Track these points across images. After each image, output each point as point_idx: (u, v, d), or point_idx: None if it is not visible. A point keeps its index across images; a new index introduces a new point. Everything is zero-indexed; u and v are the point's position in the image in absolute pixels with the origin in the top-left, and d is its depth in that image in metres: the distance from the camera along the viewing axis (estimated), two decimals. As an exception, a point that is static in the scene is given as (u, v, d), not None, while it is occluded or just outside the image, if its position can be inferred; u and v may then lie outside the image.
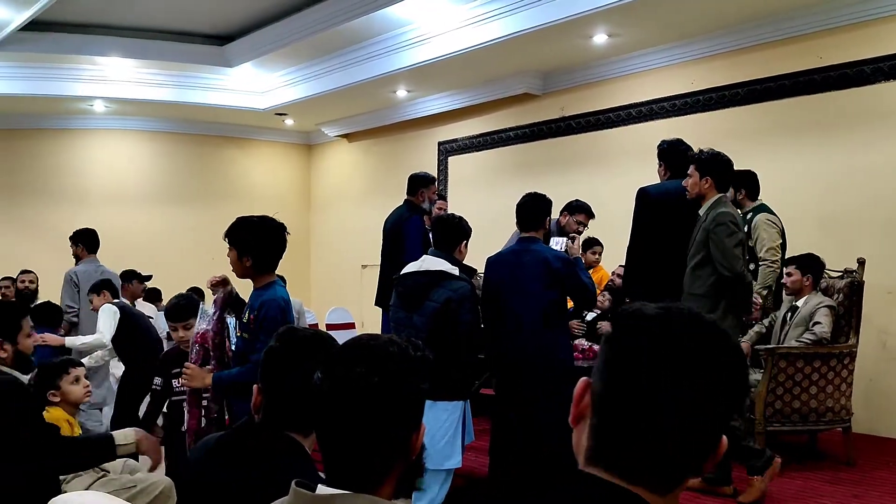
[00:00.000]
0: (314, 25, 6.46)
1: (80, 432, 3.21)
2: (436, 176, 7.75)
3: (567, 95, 6.73)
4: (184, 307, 3.63)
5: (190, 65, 7.51)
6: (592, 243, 5.56)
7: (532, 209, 3.69)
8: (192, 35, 7.27)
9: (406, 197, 5.29)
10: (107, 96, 7.78)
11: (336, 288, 8.97)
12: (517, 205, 3.76)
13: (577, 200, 4.93)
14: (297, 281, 8.88)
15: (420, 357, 1.21)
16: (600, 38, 5.76)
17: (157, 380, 3.62)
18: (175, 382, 3.50)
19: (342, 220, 9.26)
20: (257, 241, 3.03)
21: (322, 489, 1.15)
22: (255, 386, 1.62)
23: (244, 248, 3.02)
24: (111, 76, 7.57)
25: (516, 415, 3.54)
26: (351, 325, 7.89)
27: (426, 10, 5.95)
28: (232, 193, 9.26)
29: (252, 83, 7.93)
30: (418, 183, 5.27)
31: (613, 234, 5.77)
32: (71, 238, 5.77)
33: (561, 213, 5.08)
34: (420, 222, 5.25)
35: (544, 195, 3.78)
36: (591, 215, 4.99)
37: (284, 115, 8.44)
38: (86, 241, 5.79)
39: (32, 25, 6.36)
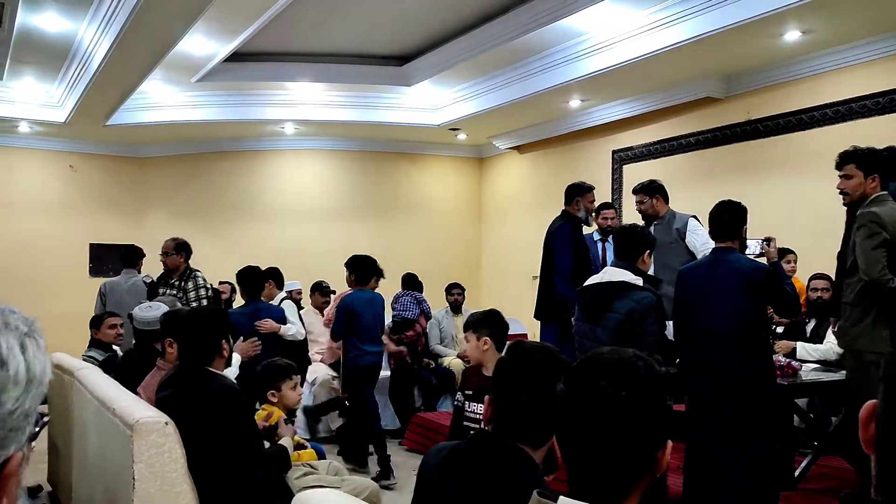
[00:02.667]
0: (489, 41, 6.59)
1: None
2: (610, 185, 7.65)
3: (753, 97, 6.40)
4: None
5: (371, 85, 7.91)
6: (785, 252, 5.24)
7: (727, 218, 3.54)
8: (374, 57, 7.65)
9: (563, 207, 5.34)
10: (296, 119, 8.36)
11: (507, 299, 9.03)
12: (711, 214, 3.62)
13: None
14: (468, 292, 9.06)
15: (665, 373, 1.21)
16: (792, 36, 5.43)
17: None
18: None
19: (513, 232, 9.34)
20: None
21: (564, 501, 1.17)
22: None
23: None
24: (300, 100, 8.13)
25: (712, 434, 3.40)
26: (523, 336, 7.93)
27: (602, 19, 5.89)
28: (406, 207, 9.65)
29: (428, 100, 8.21)
30: (574, 192, 5.30)
31: (806, 242, 5.43)
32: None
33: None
34: (569, 230, 5.24)
35: (739, 203, 3.62)
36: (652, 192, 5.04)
37: (458, 129, 8.66)
38: (124, 257, 6.77)
39: (233, 57, 6.94)
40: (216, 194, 9.45)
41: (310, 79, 7.70)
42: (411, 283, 7.16)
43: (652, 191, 4.98)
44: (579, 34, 6.23)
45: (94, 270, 9.27)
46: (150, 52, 5.85)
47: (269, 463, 2.94)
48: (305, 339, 6.16)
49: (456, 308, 7.62)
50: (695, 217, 4.81)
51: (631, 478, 1.17)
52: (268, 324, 5.20)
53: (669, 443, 1.19)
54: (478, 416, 3.07)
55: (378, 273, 5.94)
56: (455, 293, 7.62)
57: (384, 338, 6.47)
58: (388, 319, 7.31)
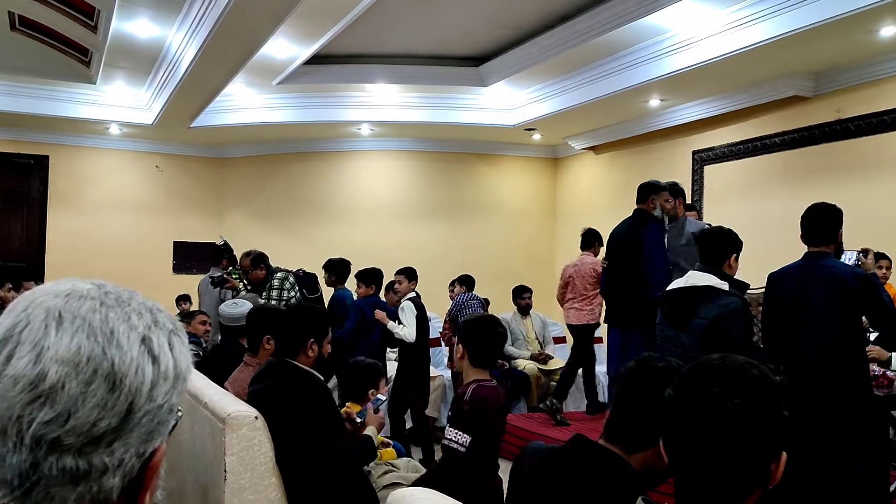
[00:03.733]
0: (568, 41, 6.53)
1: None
2: (690, 186, 7.47)
3: (843, 96, 6.15)
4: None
5: (447, 86, 7.94)
6: (878, 257, 5.02)
7: (822, 221, 3.41)
8: (450, 58, 7.69)
9: (636, 206, 5.22)
10: (372, 120, 8.47)
11: (582, 301, 8.93)
12: (803, 216, 3.49)
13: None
14: (542, 294, 8.99)
15: (780, 382, 1.17)
16: (888, 31, 5.19)
17: None
18: None
19: (587, 233, 9.23)
20: None
21: (672, 510, 1.15)
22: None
23: None
24: (377, 101, 8.23)
25: (806, 444, 3.28)
26: (598, 340, 7.81)
27: (685, 17, 5.76)
28: (479, 207, 9.65)
29: (503, 101, 8.19)
30: (648, 190, 5.19)
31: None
32: None
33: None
34: (660, 229, 5.13)
35: (834, 205, 3.48)
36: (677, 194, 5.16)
37: (533, 129, 8.61)
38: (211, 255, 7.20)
39: (313, 59, 7.07)
40: (293, 194, 9.66)
41: (386, 80, 7.79)
42: (470, 283, 7.15)
43: (676, 192, 5.20)
44: (661, 32, 6.11)
45: (178, 267, 9.61)
46: (236, 56, 6.02)
47: (356, 454, 2.99)
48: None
49: (524, 311, 7.58)
50: (709, 225, 4.81)
51: (742, 490, 1.14)
52: (380, 314, 5.77)
53: (784, 454, 1.15)
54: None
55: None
56: (525, 297, 7.57)
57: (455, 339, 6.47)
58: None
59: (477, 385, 2.77)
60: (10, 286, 7.41)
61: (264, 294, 5.75)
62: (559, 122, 8.10)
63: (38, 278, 8.16)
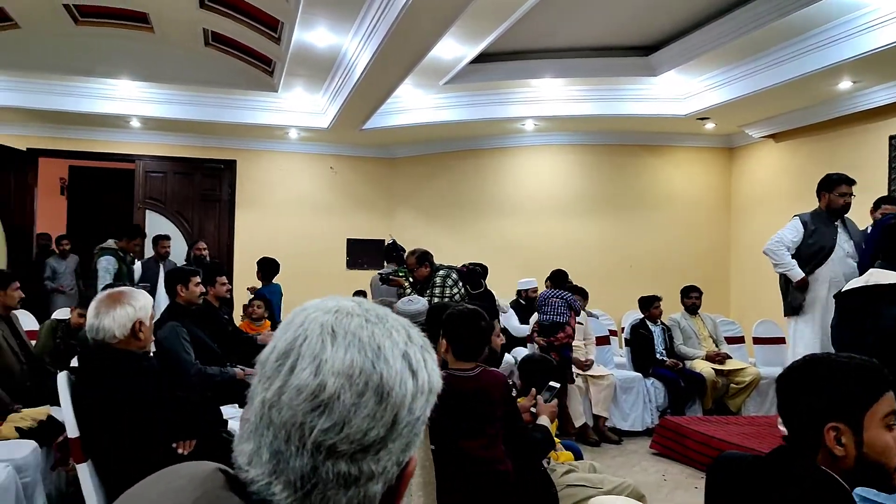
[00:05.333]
0: (746, 25, 6.16)
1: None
2: (886, 174, 6.85)
3: None
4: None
5: (614, 77, 7.74)
6: None
7: None
8: (618, 49, 7.49)
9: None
10: (537, 115, 8.42)
11: (760, 300, 8.42)
12: None
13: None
14: (715, 290, 8.59)
15: None
16: None
17: None
18: None
19: (765, 226, 8.62)
20: None
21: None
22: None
23: None
24: (542, 96, 8.18)
25: None
26: (780, 340, 7.34)
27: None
28: (647, 201, 9.34)
29: (674, 90, 7.87)
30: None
31: None
32: None
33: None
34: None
35: None
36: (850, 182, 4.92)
37: (706, 119, 8.21)
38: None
39: (478, 58, 7.14)
40: (458, 192, 9.83)
41: (552, 74, 7.72)
42: (559, 281, 6.88)
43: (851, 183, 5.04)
44: (855, 8, 5.62)
45: (351, 263, 10.06)
46: (407, 59, 6.19)
47: (537, 440, 3.00)
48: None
49: (692, 310, 7.23)
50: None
51: None
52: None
53: None
54: None
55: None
56: (693, 297, 7.23)
57: (537, 339, 6.29)
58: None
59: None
60: None
61: (427, 292, 5.87)
62: (735, 109, 7.67)
63: (229, 273, 8.82)
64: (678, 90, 7.87)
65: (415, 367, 0.80)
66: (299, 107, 8.76)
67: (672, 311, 7.34)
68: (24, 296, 4.91)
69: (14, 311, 4.88)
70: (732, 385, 6.75)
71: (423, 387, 0.80)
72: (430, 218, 9.96)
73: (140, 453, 2.67)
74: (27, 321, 5.61)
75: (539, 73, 7.73)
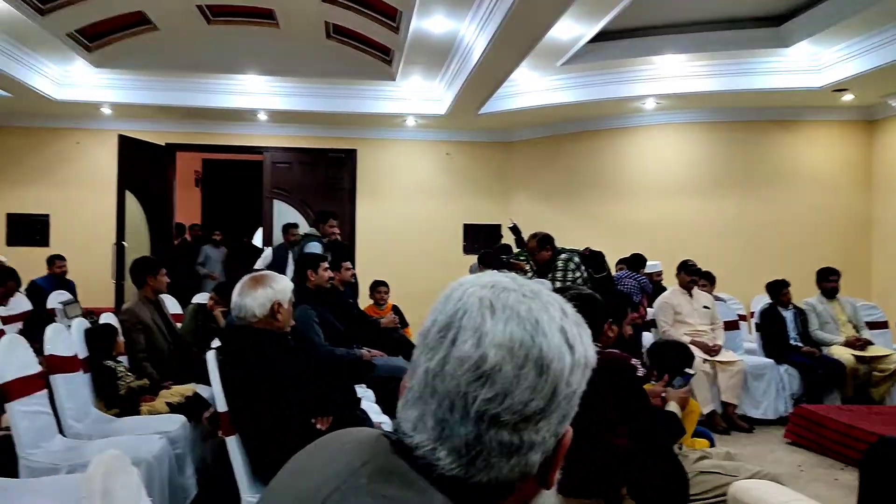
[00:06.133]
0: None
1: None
2: None
3: None
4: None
5: (742, 51, 7.39)
6: None
7: None
8: (745, 20, 7.15)
9: None
10: (659, 93, 8.17)
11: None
12: None
13: None
14: (854, 272, 8.07)
15: None
16: None
17: None
18: None
19: (913, 205, 8.08)
20: None
21: None
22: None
23: None
24: (663, 73, 7.92)
25: None
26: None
27: None
28: (777, 180, 8.86)
29: (808, 61, 7.42)
30: None
31: None
32: None
33: None
34: None
35: None
36: None
37: (844, 90, 7.70)
38: None
39: (597, 37, 7.00)
40: (576, 173, 9.70)
41: (674, 50, 7.46)
42: (636, 264, 6.54)
43: None
44: None
45: (467, 248, 10.14)
46: (525, 42, 6.15)
47: (664, 425, 2.95)
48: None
49: (830, 294, 6.80)
50: None
51: None
52: None
53: None
54: None
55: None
56: (832, 280, 6.78)
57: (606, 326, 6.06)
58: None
59: None
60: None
61: (549, 276, 5.80)
62: (877, 79, 7.14)
63: (351, 259, 9.08)
64: (812, 61, 7.42)
65: (571, 341, 0.81)
66: (417, 94, 8.89)
67: (805, 294, 6.96)
68: (169, 281, 5.26)
69: (161, 295, 5.24)
70: (875, 373, 6.33)
71: (580, 360, 0.81)
72: (547, 201, 9.88)
73: (280, 428, 2.81)
74: (171, 305, 6.00)
75: (660, 50, 7.49)
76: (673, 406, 3.11)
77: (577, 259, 5.82)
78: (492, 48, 6.18)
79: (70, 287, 7.94)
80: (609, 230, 9.07)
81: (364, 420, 3.32)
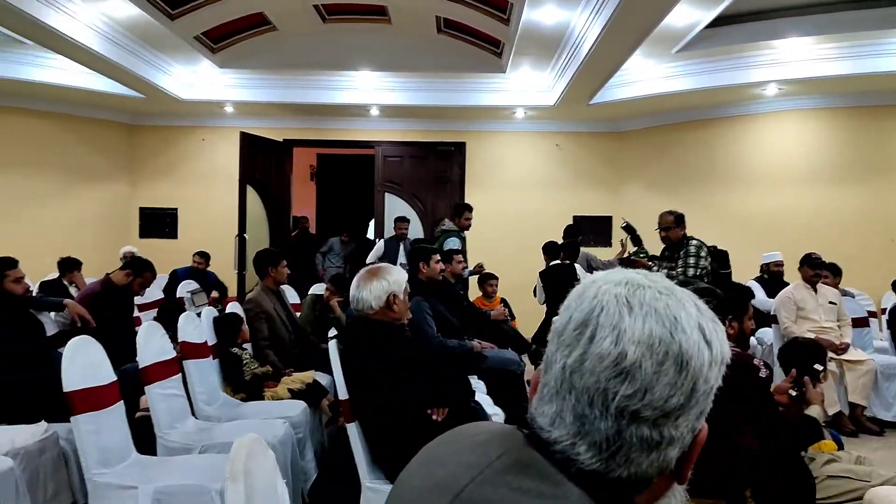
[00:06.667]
0: None
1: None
2: None
3: None
4: None
5: (874, 31, 6.91)
6: None
7: None
8: (878, -1, 6.70)
9: None
10: (781, 78, 7.76)
11: None
12: None
13: None
14: None
15: None
16: None
17: None
18: None
19: None
20: None
21: None
22: None
23: None
24: (786, 58, 7.52)
25: None
26: None
27: None
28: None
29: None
30: None
31: None
32: None
33: None
34: None
35: None
36: None
37: None
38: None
39: (714, 22, 6.74)
40: (690, 163, 9.39)
41: (799, 33, 7.07)
42: (718, 260, 6.10)
43: None
44: None
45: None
46: (639, 30, 6.00)
47: (800, 429, 2.84)
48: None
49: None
50: None
51: None
52: None
53: None
54: None
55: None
56: None
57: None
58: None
59: None
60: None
61: (680, 262, 5.52)
62: None
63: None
64: (954, 39, 6.87)
65: (709, 338, 0.81)
66: (526, 86, 8.85)
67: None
68: (290, 272, 5.49)
69: (281, 286, 5.47)
70: None
71: (717, 356, 0.82)
72: (660, 192, 9.62)
73: (397, 418, 2.89)
74: (290, 295, 6.25)
75: (783, 33, 7.12)
76: (815, 410, 2.98)
77: (706, 248, 5.60)
78: (604, 37, 6.07)
79: (209, 278, 8.47)
80: (724, 221, 8.74)
81: (478, 411, 3.36)
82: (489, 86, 8.92)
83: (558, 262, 7.20)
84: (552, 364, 0.85)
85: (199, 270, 8.54)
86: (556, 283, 6.87)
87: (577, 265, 7.12)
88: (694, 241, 5.49)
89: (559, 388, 0.83)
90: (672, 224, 5.54)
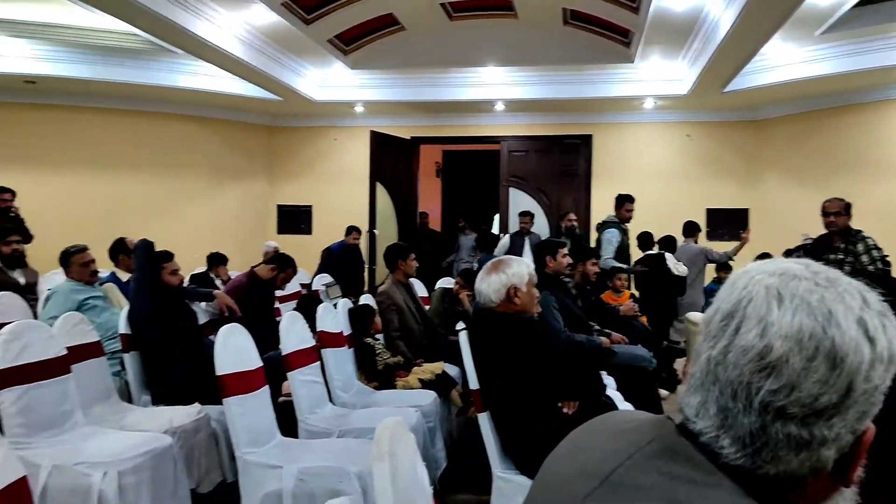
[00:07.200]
0: None
1: None
2: None
3: None
4: None
5: None
6: None
7: None
8: None
9: None
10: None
11: None
12: None
13: None
14: None
15: None
16: None
17: None
18: None
19: None
20: None
21: None
22: None
23: None
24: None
25: None
26: None
27: None
28: None
29: None
30: None
31: None
32: None
33: None
34: None
35: None
36: None
37: None
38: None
39: (863, 0, 6.31)
40: (835, 152, 8.81)
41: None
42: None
43: None
44: None
45: (711, 234, 9.65)
46: (779, 12, 5.69)
47: None
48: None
49: None
50: None
51: None
52: None
53: None
54: None
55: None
56: None
57: None
58: None
59: None
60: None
61: (865, 257, 5.12)
62: None
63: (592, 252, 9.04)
64: None
65: (872, 334, 0.76)
66: (655, 75, 8.60)
67: None
68: (418, 265, 5.62)
69: (410, 279, 5.61)
70: None
71: (882, 354, 0.76)
72: (801, 183, 9.10)
73: (526, 409, 2.91)
74: (418, 288, 6.40)
75: (944, 8, 6.56)
76: None
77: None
78: (741, 21, 5.81)
79: (360, 257, 9.17)
80: (873, 214, 8.13)
81: (610, 406, 3.32)
82: (617, 76, 8.74)
83: (652, 252, 7.19)
84: (699, 354, 0.84)
85: (353, 247, 8.92)
86: (647, 275, 6.99)
87: (666, 255, 6.96)
88: (862, 233, 5.17)
89: (703, 379, 0.82)
90: (842, 210, 5.23)
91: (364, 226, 9.64)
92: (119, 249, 5.41)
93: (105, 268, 5.52)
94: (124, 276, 5.37)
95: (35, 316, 4.80)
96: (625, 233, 7.23)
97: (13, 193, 7.17)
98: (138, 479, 2.91)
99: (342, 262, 8.72)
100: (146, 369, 4.11)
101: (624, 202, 7.25)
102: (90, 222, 8.90)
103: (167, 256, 4.59)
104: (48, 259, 6.22)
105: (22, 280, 5.48)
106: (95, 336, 3.84)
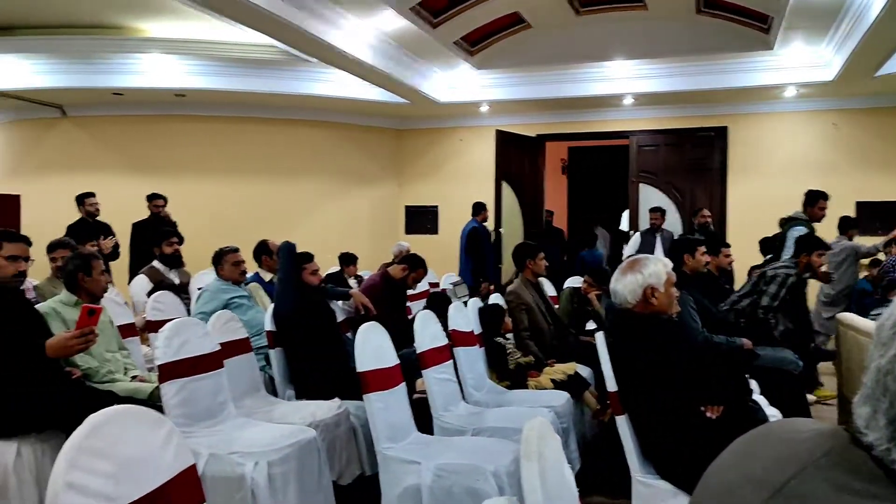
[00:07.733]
0: None
1: None
2: None
3: None
4: None
5: None
6: None
7: None
8: None
9: None
10: None
11: None
12: None
13: None
14: None
15: None
16: None
17: None
18: None
19: None
20: None
21: None
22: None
23: None
24: None
25: None
26: None
27: None
28: None
29: None
30: None
31: None
32: None
33: None
34: None
35: None
36: None
37: None
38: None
39: None
40: None
41: None
42: None
43: None
44: None
45: (864, 228, 8.97)
46: (941, -14, 5.25)
47: None
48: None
49: None
50: None
51: None
52: None
53: None
54: None
55: None
56: None
57: None
58: None
59: None
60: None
61: None
62: None
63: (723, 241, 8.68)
64: None
65: None
66: (798, 62, 8.12)
67: None
68: (548, 265, 5.59)
69: (540, 279, 5.59)
70: None
71: None
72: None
73: (668, 413, 2.82)
74: (547, 287, 6.35)
75: None
76: None
77: None
78: (893, 2, 5.39)
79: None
80: None
81: (756, 411, 3.17)
82: (754, 65, 8.32)
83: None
84: (870, 362, 0.79)
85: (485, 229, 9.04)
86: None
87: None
88: None
89: (873, 388, 0.77)
90: None
91: (490, 225, 9.68)
92: (261, 251, 5.70)
93: (249, 269, 5.84)
94: (267, 277, 5.66)
95: (188, 314, 5.15)
96: (813, 232, 6.70)
97: (165, 200, 7.72)
98: (286, 470, 3.06)
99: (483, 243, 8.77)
100: (290, 364, 4.31)
101: (818, 199, 6.66)
102: (233, 225, 9.45)
103: (308, 257, 4.80)
104: (196, 261, 6.67)
105: (177, 280, 5.89)
106: (244, 333, 4.06)
